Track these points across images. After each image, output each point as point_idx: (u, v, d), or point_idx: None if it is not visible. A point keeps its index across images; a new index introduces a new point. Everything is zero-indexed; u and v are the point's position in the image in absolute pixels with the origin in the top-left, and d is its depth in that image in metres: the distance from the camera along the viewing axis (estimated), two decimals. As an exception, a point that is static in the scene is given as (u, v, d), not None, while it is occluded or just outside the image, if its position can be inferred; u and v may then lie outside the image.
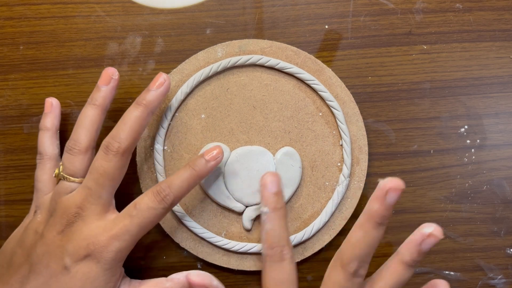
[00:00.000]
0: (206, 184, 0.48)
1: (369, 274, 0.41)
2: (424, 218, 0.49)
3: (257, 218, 0.48)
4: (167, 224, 0.48)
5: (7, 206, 0.50)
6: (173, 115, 0.48)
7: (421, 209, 0.49)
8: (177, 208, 0.48)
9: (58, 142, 0.48)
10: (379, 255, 0.49)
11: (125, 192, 0.48)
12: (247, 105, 0.49)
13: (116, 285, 0.44)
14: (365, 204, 0.40)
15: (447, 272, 0.49)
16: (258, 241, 0.48)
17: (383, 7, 0.50)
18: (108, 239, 0.41)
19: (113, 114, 0.49)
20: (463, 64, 0.50)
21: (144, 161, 0.49)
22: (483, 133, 0.49)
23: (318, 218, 0.48)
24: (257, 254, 0.48)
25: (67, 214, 0.42)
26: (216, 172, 0.48)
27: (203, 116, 0.49)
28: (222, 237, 0.49)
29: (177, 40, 0.50)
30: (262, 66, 0.48)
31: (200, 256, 0.49)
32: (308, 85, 0.48)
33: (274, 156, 0.48)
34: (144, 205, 0.41)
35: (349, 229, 0.40)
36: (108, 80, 0.45)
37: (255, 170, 0.47)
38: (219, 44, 0.49)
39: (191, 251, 0.49)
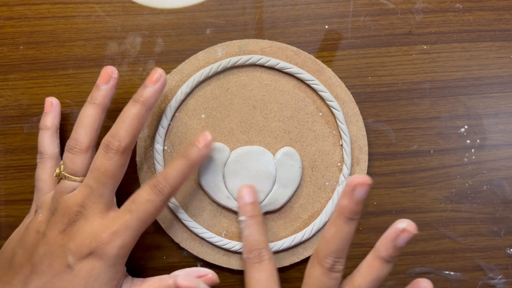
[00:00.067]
0: (206, 184, 0.48)
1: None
2: (424, 218, 0.49)
3: (257, 218, 0.48)
4: (167, 224, 0.48)
5: (7, 206, 0.50)
6: (173, 115, 0.48)
7: (421, 209, 0.49)
8: (177, 208, 0.48)
9: (58, 141, 0.48)
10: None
11: (125, 192, 0.48)
12: (247, 105, 0.49)
13: (119, 283, 0.44)
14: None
15: (447, 272, 0.49)
16: (258, 241, 0.48)
17: (383, 7, 0.50)
18: (110, 236, 0.41)
19: (113, 114, 0.48)
20: (463, 64, 0.50)
21: (144, 161, 0.49)
22: (483, 133, 0.49)
23: (318, 218, 0.48)
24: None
25: (69, 213, 0.42)
26: (216, 172, 0.48)
27: (203, 116, 0.49)
28: (222, 237, 0.49)
29: (177, 40, 0.50)
30: (262, 66, 0.48)
31: (200, 256, 0.49)
32: (308, 85, 0.48)
33: (274, 156, 0.48)
34: (142, 199, 0.42)
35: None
36: (107, 79, 0.45)
37: (255, 170, 0.47)
38: (219, 44, 0.49)
39: (191, 251, 0.49)
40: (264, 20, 0.50)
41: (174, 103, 0.48)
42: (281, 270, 0.49)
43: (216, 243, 0.48)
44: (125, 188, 0.46)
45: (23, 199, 0.50)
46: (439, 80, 0.50)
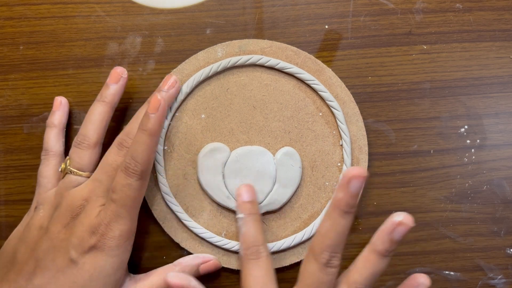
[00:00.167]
0: (206, 184, 0.48)
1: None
2: (424, 218, 0.49)
3: (257, 218, 0.48)
4: (167, 224, 0.48)
5: (7, 206, 0.50)
6: (173, 115, 0.48)
7: (421, 209, 0.49)
8: (177, 208, 0.48)
9: (64, 140, 0.48)
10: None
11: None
12: (247, 105, 0.49)
13: (125, 273, 0.44)
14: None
15: (447, 272, 0.49)
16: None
17: (383, 7, 0.50)
18: (105, 228, 0.42)
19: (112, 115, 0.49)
20: (463, 64, 0.50)
21: (144, 161, 0.49)
22: (483, 133, 0.49)
23: (318, 218, 0.48)
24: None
25: (72, 207, 0.43)
26: (216, 172, 0.48)
27: (203, 116, 0.49)
28: (222, 237, 0.49)
29: (177, 40, 0.50)
30: (262, 66, 0.48)
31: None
32: (308, 85, 0.48)
33: (274, 156, 0.48)
34: (119, 186, 0.42)
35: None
36: (117, 79, 0.46)
37: (255, 170, 0.48)
38: (219, 44, 0.49)
39: (191, 251, 0.49)
40: (264, 20, 0.50)
41: (174, 103, 0.48)
42: (281, 270, 0.49)
43: (216, 243, 0.48)
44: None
45: (23, 199, 0.50)
46: (439, 80, 0.50)
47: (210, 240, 0.48)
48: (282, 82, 0.49)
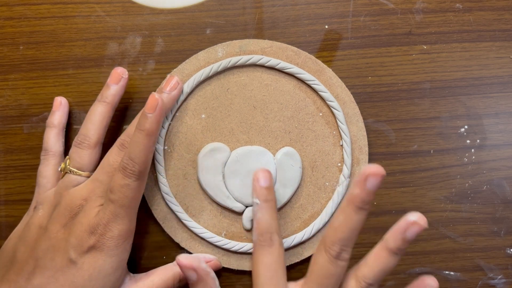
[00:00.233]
0: (206, 184, 0.48)
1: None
2: (424, 218, 0.49)
3: (257, 218, 0.49)
4: (167, 224, 0.48)
5: (7, 206, 0.50)
6: (174, 115, 0.48)
7: (421, 209, 0.49)
8: (177, 208, 0.48)
9: (63, 140, 0.48)
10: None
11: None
12: (247, 105, 0.49)
13: (124, 273, 0.44)
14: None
15: (447, 272, 0.49)
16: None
17: (383, 7, 0.50)
18: (104, 228, 0.42)
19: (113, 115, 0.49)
20: (463, 64, 0.50)
21: (144, 161, 0.49)
22: (483, 133, 0.50)
23: (318, 219, 0.48)
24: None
25: (72, 207, 0.43)
26: (216, 172, 0.48)
27: (203, 116, 0.49)
28: (222, 237, 0.49)
29: (177, 40, 0.50)
30: (262, 66, 0.48)
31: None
32: (309, 85, 0.48)
33: (274, 156, 0.48)
34: (117, 186, 0.42)
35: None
36: (118, 79, 0.46)
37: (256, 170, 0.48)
38: (220, 44, 0.49)
39: (191, 251, 0.49)
40: (264, 20, 0.50)
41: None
42: (281, 270, 0.49)
43: (216, 243, 0.48)
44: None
45: (23, 199, 0.50)
46: (439, 80, 0.50)
47: (210, 240, 0.48)
48: (282, 82, 0.49)
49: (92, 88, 0.49)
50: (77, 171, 0.45)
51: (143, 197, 0.48)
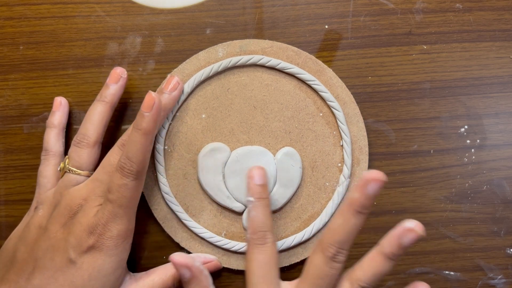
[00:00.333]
0: (206, 184, 0.48)
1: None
2: (424, 218, 0.49)
3: (257, 218, 0.49)
4: (167, 224, 0.48)
5: (7, 206, 0.50)
6: (174, 115, 0.48)
7: (421, 209, 0.49)
8: (177, 208, 0.48)
9: (63, 140, 0.48)
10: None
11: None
12: (247, 105, 0.49)
13: (124, 272, 0.44)
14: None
15: (447, 272, 0.49)
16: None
17: (383, 7, 0.50)
18: (103, 228, 0.42)
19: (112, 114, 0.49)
20: (463, 64, 0.50)
21: (145, 161, 0.49)
22: (483, 133, 0.50)
23: (318, 219, 0.48)
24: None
25: (71, 206, 0.43)
26: (216, 172, 0.48)
27: (203, 116, 0.49)
28: (222, 237, 0.49)
29: (177, 40, 0.50)
30: (263, 66, 0.48)
31: (200, 256, 0.49)
32: (309, 86, 0.48)
33: (274, 156, 0.48)
34: (115, 186, 0.42)
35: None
36: (117, 79, 0.46)
37: (256, 170, 0.48)
38: (220, 44, 0.49)
39: (191, 251, 0.49)
40: (264, 20, 0.50)
41: (174, 103, 0.48)
42: (281, 270, 0.49)
43: (216, 243, 0.48)
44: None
45: (23, 199, 0.50)
46: (439, 80, 0.50)
47: (210, 240, 0.48)
48: (283, 82, 0.49)
49: (92, 88, 0.49)
50: (76, 170, 0.45)
51: (143, 197, 0.48)
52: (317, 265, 0.41)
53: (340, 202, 0.48)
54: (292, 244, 0.48)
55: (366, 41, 0.50)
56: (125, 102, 0.49)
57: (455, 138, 0.50)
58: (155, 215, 0.48)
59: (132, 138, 0.41)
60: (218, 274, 0.49)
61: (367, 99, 0.50)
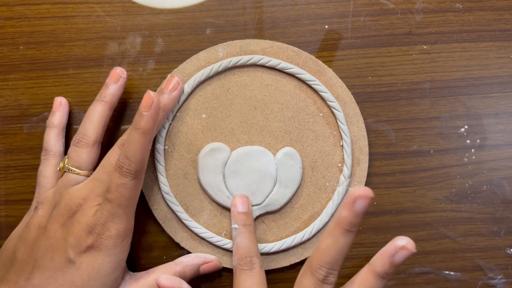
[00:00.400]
0: (206, 184, 0.48)
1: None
2: (424, 218, 0.49)
3: (257, 218, 0.48)
4: (167, 223, 0.48)
5: (7, 206, 0.50)
6: (174, 115, 0.48)
7: (421, 209, 0.49)
8: (177, 208, 0.48)
9: (63, 140, 0.48)
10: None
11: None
12: (248, 105, 0.49)
13: (123, 272, 0.45)
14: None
15: (447, 272, 0.50)
16: (259, 241, 0.48)
17: (383, 7, 0.50)
18: (102, 228, 0.42)
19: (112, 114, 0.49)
20: (463, 64, 0.50)
21: (145, 161, 0.49)
22: (483, 133, 0.50)
23: (318, 219, 0.48)
24: (258, 254, 0.49)
25: (71, 206, 0.43)
26: (216, 172, 0.48)
27: (203, 116, 0.49)
28: (222, 237, 0.49)
29: (177, 40, 0.50)
30: (263, 66, 0.48)
31: (200, 256, 0.49)
32: (309, 86, 0.48)
33: (274, 156, 0.48)
34: (114, 185, 0.42)
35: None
36: (116, 79, 0.46)
37: (256, 170, 0.48)
38: (220, 44, 0.49)
39: (191, 251, 0.49)
40: (264, 20, 0.50)
41: (174, 103, 0.48)
42: (281, 270, 0.49)
43: (216, 243, 0.48)
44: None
45: (23, 199, 0.50)
46: (439, 80, 0.50)
47: (210, 240, 0.48)
48: (283, 83, 0.49)
49: (92, 88, 0.49)
50: (76, 169, 0.45)
51: (143, 197, 0.48)
52: None
53: (341, 202, 0.48)
54: (292, 244, 0.48)
55: (366, 41, 0.50)
56: (125, 102, 0.49)
57: (455, 138, 0.50)
58: (155, 215, 0.48)
59: (130, 138, 0.41)
60: (218, 274, 0.49)
61: (367, 99, 0.50)
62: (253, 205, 0.48)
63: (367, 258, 0.48)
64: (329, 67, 0.49)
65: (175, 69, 0.48)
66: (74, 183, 0.45)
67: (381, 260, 0.39)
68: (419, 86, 0.50)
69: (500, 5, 0.50)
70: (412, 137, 0.50)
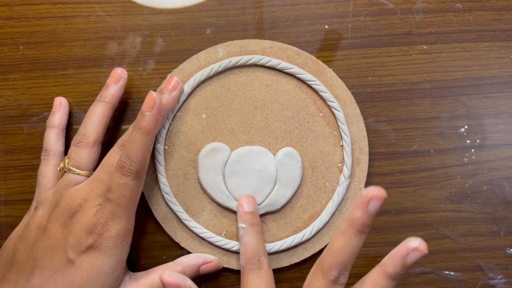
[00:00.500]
0: (206, 184, 0.48)
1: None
2: (424, 218, 0.49)
3: (257, 218, 0.49)
4: (167, 224, 0.48)
5: (7, 206, 0.50)
6: (174, 115, 0.48)
7: (421, 209, 0.49)
8: (177, 208, 0.48)
9: (63, 140, 0.48)
10: (378, 255, 0.49)
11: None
12: (248, 105, 0.49)
13: (123, 272, 0.45)
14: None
15: (447, 272, 0.49)
16: (259, 241, 0.48)
17: (383, 7, 0.50)
18: (102, 228, 0.42)
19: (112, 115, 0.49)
20: (463, 64, 0.50)
21: (145, 161, 0.49)
22: (483, 133, 0.50)
23: (318, 219, 0.48)
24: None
25: (71, 206, 0.43)
26: (216, 172, 0.48)
27: (204, 116, 0.48)
28: (222, 237, 0.49)
29: (177, 40, 0.50)
30: (263, 66, 0.48)
31: (200, 256, 0.49)
32: (309, 86, 0.48)
33: (274, 156, 0.48)
34: (115, 185, 0.42)
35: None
36: (117, 79, 0.47)
37: (256, 170, 0.48)
38: (220, 44, 0.49)
39: (191, 251, 0.49)
40: (264, 20, 0.50)
41: (174, 103, 0.48)
42: (281, 270, 0.49)
43: (216, 243, 0.48)
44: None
45: (23, 199, 0.50)
46: (439, 80, 0.50)
47: (210, 240, 0.48)
48: (283, 83, 0.49)
49: (92, 88, 0.49)
50: (76, 170, 0.45)
51: (143, 197, 0.48)
52: None
53: (341, 202, 0.48)
54: (292, 244, 0.48)
55: (366, 41, 0.50)
56: (125, 102, 0.49)
57: (455, 138, 0.50)
58: (155, 215, 0.48)
59: (132, 138, 0.41)
60: (218, 274, 0.49)
61: (367, 99, 0.50)
62: (253, 205, 0.48)
63: (367, 258, 0.48)
64: (329, 67, 0.49)
65: (175, 69, 0.48)
66: (74, 183, 0.45)
67: (393, 261, 0.39)
68: (419, 86, 0.50)
69: (500, 5, 0.50)
70: (412, 137, 0.50)
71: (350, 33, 0.50)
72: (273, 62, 0.48)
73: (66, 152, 0.48)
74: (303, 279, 0.48)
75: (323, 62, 0.49)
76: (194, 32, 0.50)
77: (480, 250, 0.49)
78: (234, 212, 0.49)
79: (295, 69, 0.48)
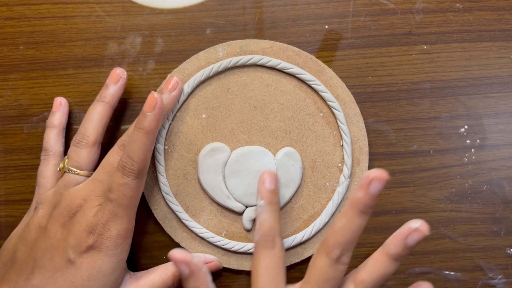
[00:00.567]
0: (206, 184, 0.48)
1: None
2: (424, 218, 0.48)
3: (257, 218, 0.49)
4: (167, 224, 0.48)
5: (7, 206, 0.50)
6: (174, 115, 0.48)
7: (421, 209, 0.49)
8: (177, 208, 0.48)
9: (63, 140, 0.48)
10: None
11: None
12: (248, 105, 0.49)
13: (124, 272, 0.44)
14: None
15: (447, 272, 0.49)
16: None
17: (383, 7, 0.50)
18: (103, 228, 0.42)
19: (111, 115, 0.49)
20: (463, 64, 0.50)
21: (145, 161, 0.49)
22: (483, 133, 0.50)
23: (318, 219, 0.48)
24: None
25: (71, 206, 0.43)
26: (216, 172, 0.47)
27: (203, 116, 0.48)
28: (222, 237, 0.49)
29: (177, 40, 0.50)
30: (263, 66, 0.48)
31: (201, 256, 0.49)
32: (309, 86, 0.48)
33: (274, 156, 0.48)
34: (116, 185, 0.42)
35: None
36: (117, 79, 0.47)
37: (256, 170, 0.47)
38: (220, 44, 0.49)
39: (191, 251, 0.49)
40: (264, 20, 0.50)
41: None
42: (281, 270, 0.49)
43: (216, 243, 0.48)
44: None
45: (23, 199, 0.50)
46: (439, 80, 0.50)
47: (210, 240, 0.48)
48: (283, 83, 0.49)
49: (92, 88, 0.49)
50: (76, 170, 0.45)
51: (143, 197, 0.48)
52: (322, 268, 0.40)
53: (341, 202, 0.48)
54: (292, 244, 0.48)
55: (366, 41, 0.50)
56: (125, 102, 0.49)
57: (455, 138, 0.50)
58: (155, 215, 0.48)
59: (133, 138, 0.41)
60: (218, 274, 0.49)
61: (367, 99, 0.50)
62: (253, 205, 0.48)
63: (366, 258, 0.48)
64: (329, 67, 0.49)
65: (175, 69, 0.48)
66: (74, 184, 0.45)
67: (394, 242, 0.39)
68: (419, 86, 0.50)
69: (500, 5, 0.50)
70: (412, 137, 0.50)
71: (350, 33, 0.50)
72: (273, 62, 0.48)
73: (66, 152, 0.48)
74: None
75: (323, 62, 0.49)
76: (194, 32, 0.50)
77: (480, 250, 0.49)
78: (234, 212, 0.49)
79: (295, 69, 0.48)
